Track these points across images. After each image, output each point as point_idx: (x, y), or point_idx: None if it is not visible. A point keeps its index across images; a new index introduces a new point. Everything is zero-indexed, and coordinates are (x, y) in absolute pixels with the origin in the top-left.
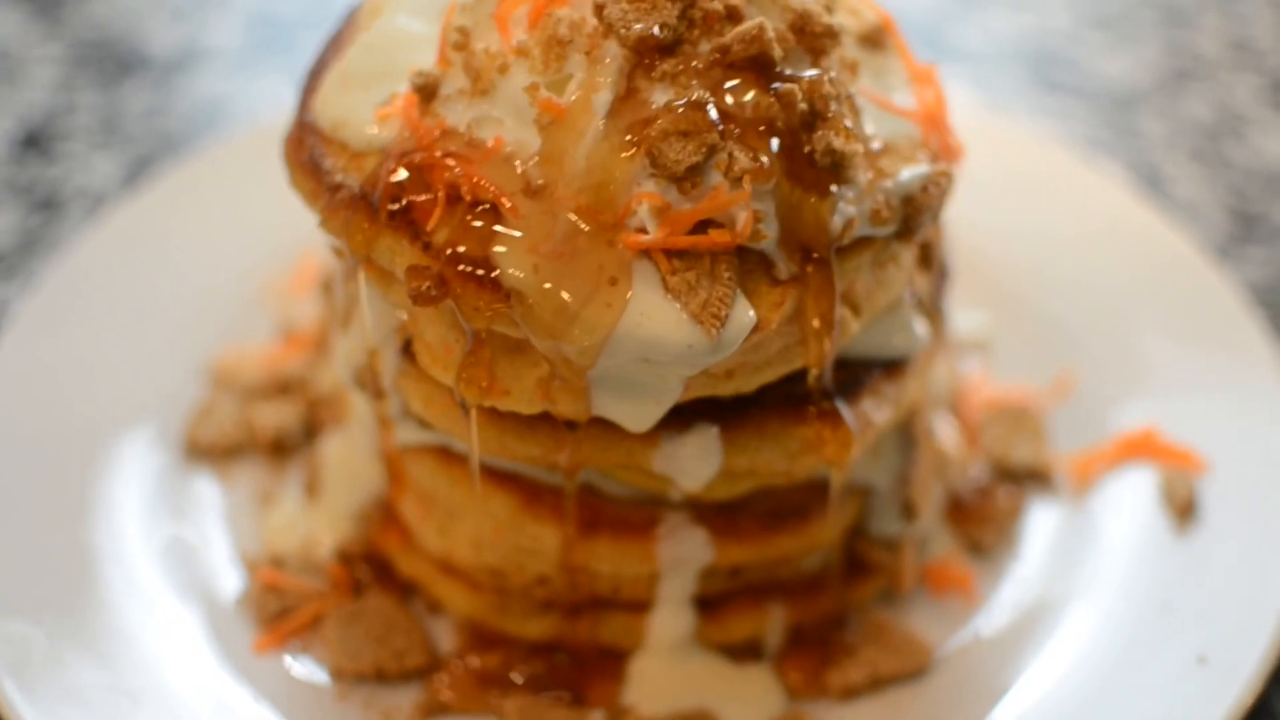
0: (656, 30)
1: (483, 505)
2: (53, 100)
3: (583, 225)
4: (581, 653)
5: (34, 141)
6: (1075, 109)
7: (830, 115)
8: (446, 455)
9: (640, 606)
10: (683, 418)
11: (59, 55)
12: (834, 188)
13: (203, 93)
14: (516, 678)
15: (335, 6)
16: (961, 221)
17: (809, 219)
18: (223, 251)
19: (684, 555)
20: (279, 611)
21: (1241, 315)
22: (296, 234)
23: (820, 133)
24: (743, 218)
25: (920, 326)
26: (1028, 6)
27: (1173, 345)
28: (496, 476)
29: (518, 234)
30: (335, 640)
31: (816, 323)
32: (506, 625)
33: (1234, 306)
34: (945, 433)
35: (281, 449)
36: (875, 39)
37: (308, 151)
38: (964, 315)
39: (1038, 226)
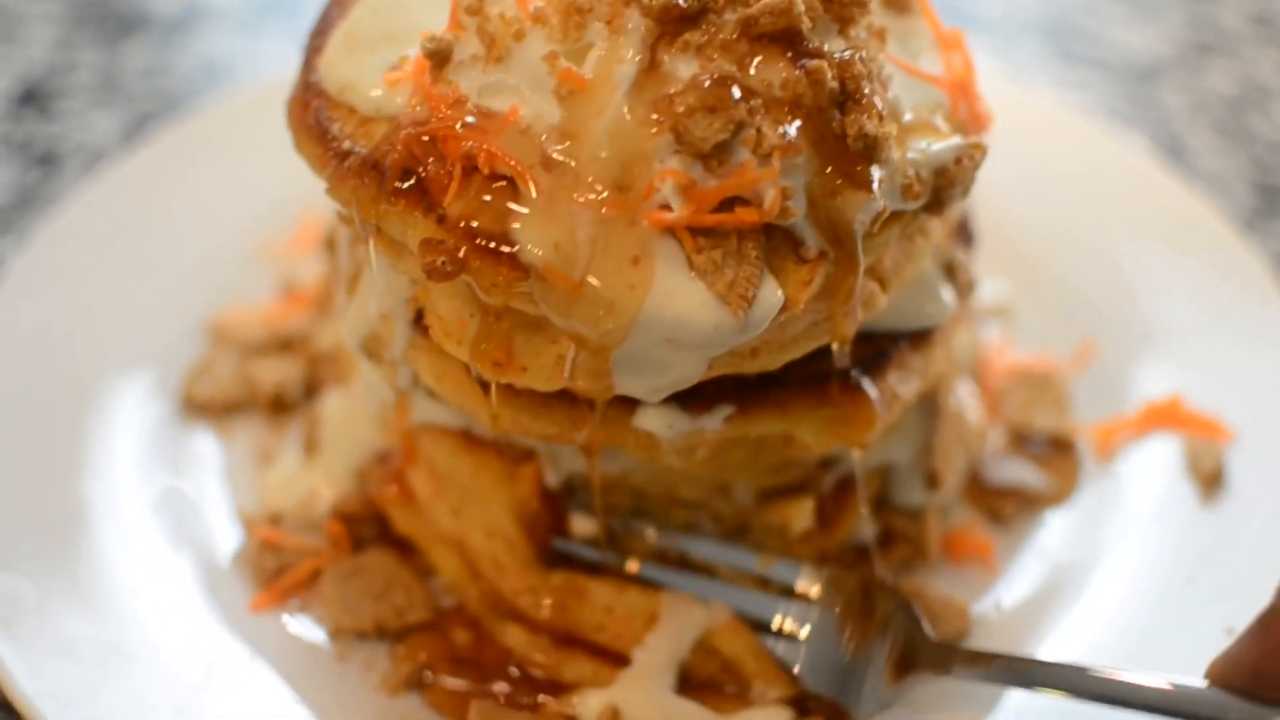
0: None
1: (502, 493)
2: (52, 57)
3: (604, 204)
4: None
5: (32, 98)
6: (1095, 81)
7: (862, 97)
8: (469, 440)
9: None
10: (703, 399)
11: (59, 13)
12: (872, 178)
13: (205, 52)
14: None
15: None
16: (983, 188)
17: (837, 214)
18: (223, 209)
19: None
20: (276, 569)
21: (1268, 282)
22: (299, 192)
23: (852, 116)
24: (771, 195)
25: (948, 294)
26: None
27: (1197, 313)
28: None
29: (537, 209)
30: (334, 597)
31: (843, 299)
32: (486, 621)
33: (1260, 274)
34: (967, 400)
35: (281, 406)
36: (899, 1)
37: (313, 114)
38: (986, 283)
39: (1061, 193)
